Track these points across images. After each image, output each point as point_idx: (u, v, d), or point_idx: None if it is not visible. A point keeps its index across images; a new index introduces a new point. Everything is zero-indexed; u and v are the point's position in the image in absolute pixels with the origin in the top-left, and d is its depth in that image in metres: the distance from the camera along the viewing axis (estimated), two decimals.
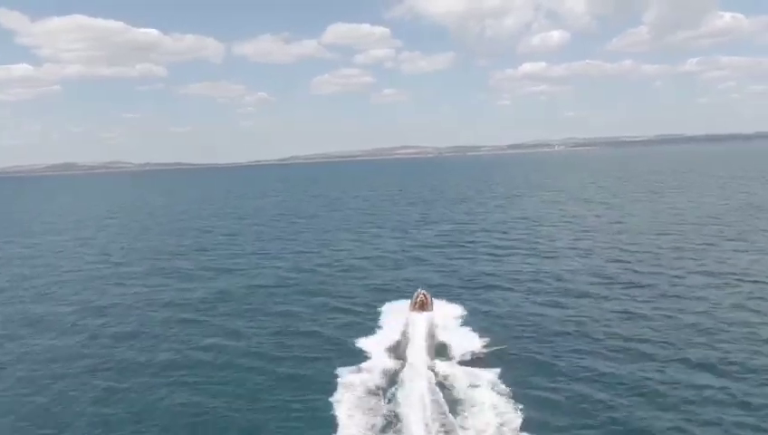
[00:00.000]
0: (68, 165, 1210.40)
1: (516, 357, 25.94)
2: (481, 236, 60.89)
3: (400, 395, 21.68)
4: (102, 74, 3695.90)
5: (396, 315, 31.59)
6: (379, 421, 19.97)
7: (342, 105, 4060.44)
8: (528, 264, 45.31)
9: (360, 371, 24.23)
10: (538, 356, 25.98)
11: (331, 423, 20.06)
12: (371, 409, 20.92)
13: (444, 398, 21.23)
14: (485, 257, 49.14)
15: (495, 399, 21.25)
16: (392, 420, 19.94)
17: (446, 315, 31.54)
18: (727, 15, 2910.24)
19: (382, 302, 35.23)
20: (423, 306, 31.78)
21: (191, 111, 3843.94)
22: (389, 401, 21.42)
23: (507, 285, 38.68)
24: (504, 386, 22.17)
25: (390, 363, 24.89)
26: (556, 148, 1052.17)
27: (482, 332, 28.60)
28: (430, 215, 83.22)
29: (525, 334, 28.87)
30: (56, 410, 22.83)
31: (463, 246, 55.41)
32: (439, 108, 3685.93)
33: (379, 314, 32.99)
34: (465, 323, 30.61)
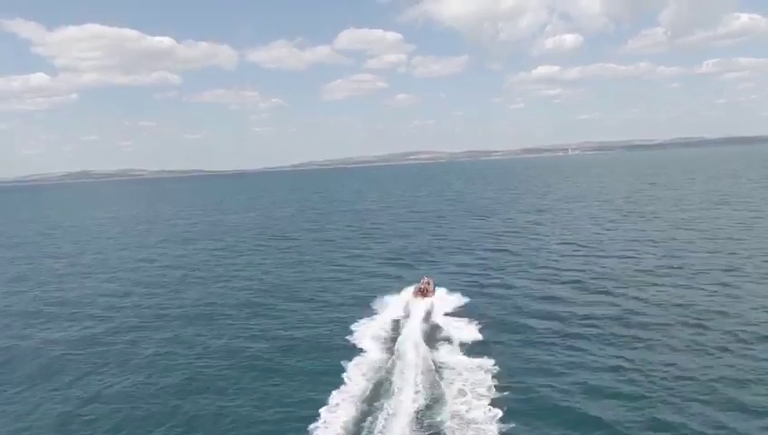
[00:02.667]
0: (83, 173, 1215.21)
1: (507, 348, 26.86)
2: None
3: (393, 367, 23.65)
4: (118, 82, 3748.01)
5: (399, 299, 33.77)
6: (372, 388, 22.12)
7: (355, 110, 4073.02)
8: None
9: (356, 344, 27.26)
10: (532, 352, 26.46)
11: (330, 385, 22.60)
12: (365, 376, 23.28)
13: (433, 373, 22.98)
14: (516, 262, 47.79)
15: (478, 374, 23.07)
16: (385, 389, 21.98)
17: (446, 302, 32.94)
18: (744, 16, 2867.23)
19: (389, 287, 37.71)
20: (425, 293, 33.58)
21: (205, 118, 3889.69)
22: (382, 370, 23.55)
23: (517, 285, 38.98)
24: (489, 366, 23.70)
25: (386, 339, 27.51)
26: (570, 152, 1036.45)
27: (477, 319, 30.05)
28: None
29: (523, 330, 29.59)
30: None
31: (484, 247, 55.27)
32: (452, 112, 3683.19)
33: (384, 296, 34.96)
34: (463, 310, 32.00)
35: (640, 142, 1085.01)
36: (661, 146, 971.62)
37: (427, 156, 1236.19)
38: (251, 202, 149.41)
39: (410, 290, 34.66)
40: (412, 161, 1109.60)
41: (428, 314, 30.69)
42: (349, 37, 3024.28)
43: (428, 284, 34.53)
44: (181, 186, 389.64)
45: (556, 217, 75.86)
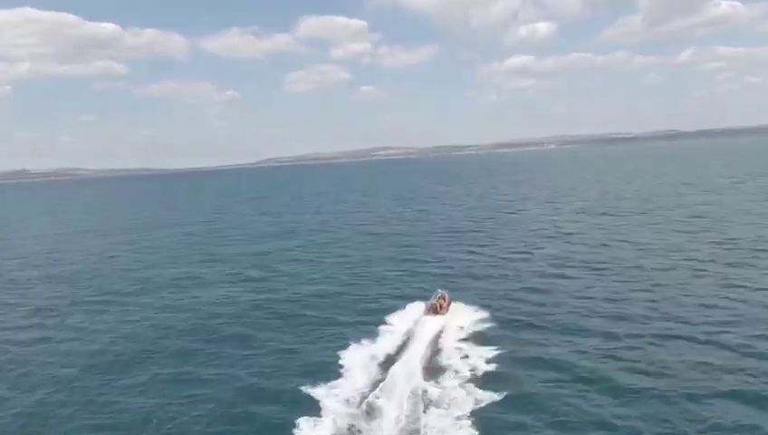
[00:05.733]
0: (18, 172, 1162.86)
1: (529, 389, 23.39)
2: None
3: (379, 403, 21.62)
4: (56, 72, 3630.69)
5: (407, 317, 31.06)
6: (351, 426, 20.55)
7: (319, 103, 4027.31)
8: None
9: (345, 373, 24.86)
10: (553, 389, 23.38)
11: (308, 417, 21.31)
12: (348, 410, 21.52)
13: (423, 417, 20.77)
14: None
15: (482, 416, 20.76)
16: (364, 428, 20.35)
17: (462, 323, 30.21)
18: (724, 3, 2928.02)
19: (399, 300, 35.36)
20: (437, 310, 31.27)
21: (155, 112, 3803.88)
22: (367, 407, 21.50)
23: (546, 301, 35.37)
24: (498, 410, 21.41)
25: (376, 369, 24.80)
26: (546, 146, 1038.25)
27: (497, 347, 26.84)
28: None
29: (558, 368, 25.43)
30: None
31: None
32: (421, 105, 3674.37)
33: (391, 312, 32.38)
34: (481, 334, 29.00)
35: (618, 136, 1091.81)
36: (639, 139, 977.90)
37: (395, 151, 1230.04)
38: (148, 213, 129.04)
39: (422, 306, 32.34)
40: (380, 157, 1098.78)
41: (437, 337, 28.37)
42: (310, 25, 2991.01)
43: (443, 299, 32.55)
44: (115, 187, 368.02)
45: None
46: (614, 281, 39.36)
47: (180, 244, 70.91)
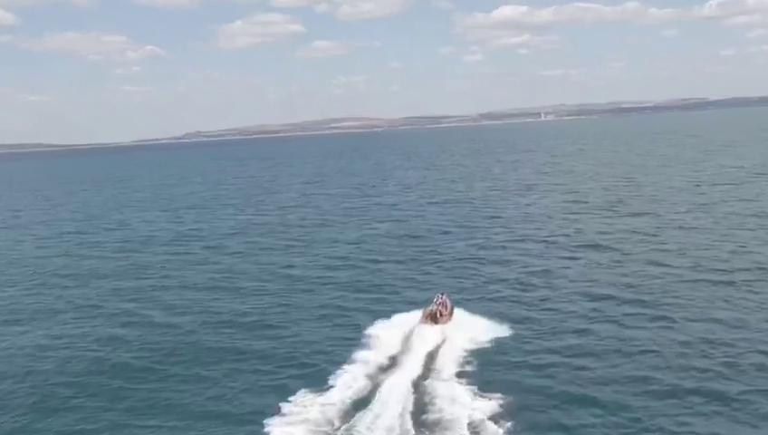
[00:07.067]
0: None
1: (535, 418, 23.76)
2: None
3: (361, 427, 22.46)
4: None
5: (402, 325, 32.59)
6: None
7: (261, 62, 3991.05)
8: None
9: (323, 390, 25.82)
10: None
11: None
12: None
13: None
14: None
15: None
16: None
17: (465, 332, 31.69)
18: None
19: (394, 303, 37.91)
20: (436, 318, 32.76)
21: (52, 72, 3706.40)
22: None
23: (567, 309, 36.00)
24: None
25: (360, 388, 25.67)
26: (544, 117, 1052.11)
27: (506, 359, 28.66)
28: None
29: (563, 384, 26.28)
30: None
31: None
32: (389, 66, 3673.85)
33: (381, 319, 34.12)
34: (487, 348, 29.99)
35: (629, 105, 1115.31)
36: (658, 109, 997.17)
37: (356, 123, 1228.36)
38: None
39: (420, 313, 33.59)
40: (338, 130, 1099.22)
41: (436, 349, 29.55)
42: None
43: (443, 305, 33.68)
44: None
45: None
46: (698, 337, 30.30)
47: (29, 253, 62.68)
